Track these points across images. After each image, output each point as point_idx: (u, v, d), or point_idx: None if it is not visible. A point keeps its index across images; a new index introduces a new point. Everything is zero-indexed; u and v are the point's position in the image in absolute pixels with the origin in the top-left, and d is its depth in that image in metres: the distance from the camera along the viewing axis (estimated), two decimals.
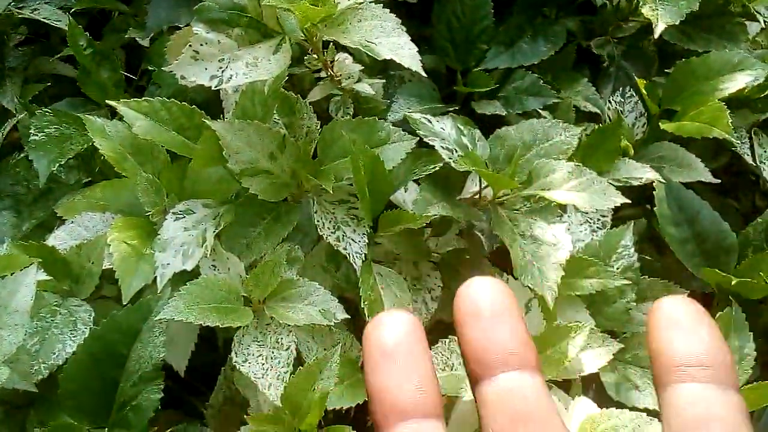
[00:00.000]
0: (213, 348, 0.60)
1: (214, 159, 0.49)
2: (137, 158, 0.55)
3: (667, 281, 0.62)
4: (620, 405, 0.53)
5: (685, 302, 0.22)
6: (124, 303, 0.49)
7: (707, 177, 0.66)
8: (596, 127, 0.62)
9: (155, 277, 0.48)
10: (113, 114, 0.60)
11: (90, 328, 0.50)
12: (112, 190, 0.58)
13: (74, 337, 0.50)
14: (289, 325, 0.49)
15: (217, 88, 0.47)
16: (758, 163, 0.68)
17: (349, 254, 0.51)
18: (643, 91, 0.67)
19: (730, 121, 0.61)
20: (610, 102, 0.69)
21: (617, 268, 0.58)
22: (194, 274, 0.49)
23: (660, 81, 0.70)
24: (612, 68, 0.72)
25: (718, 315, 0.56)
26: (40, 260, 0.50)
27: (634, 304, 0.58)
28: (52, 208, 0.61)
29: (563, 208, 0.57)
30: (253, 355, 0.48)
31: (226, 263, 0.51)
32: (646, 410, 0.52)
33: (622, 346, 0.55)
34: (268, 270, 0.49)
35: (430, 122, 0.54)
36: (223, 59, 0.47)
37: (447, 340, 0.53)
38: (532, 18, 0.71)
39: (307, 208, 0.53)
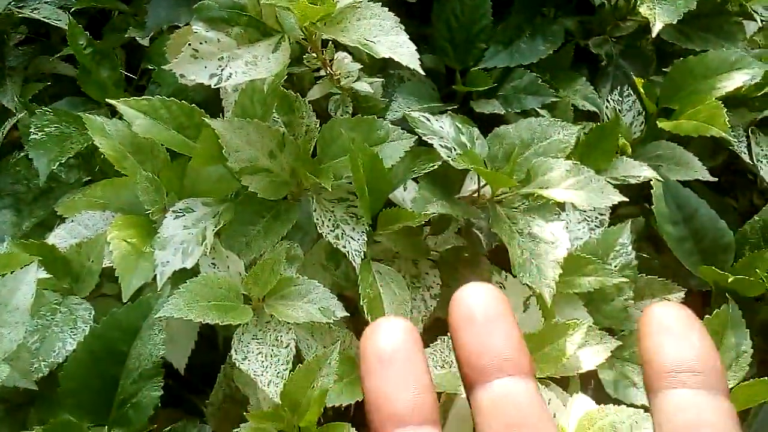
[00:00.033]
0: (213, 346, 0.60)
1: (214, 157, 0.49)
2: (137, 157, 0.55)
3: (665, 279, 0.62)
4: (618, 402, 0.53)
5: (675, 308, 0.22)
6: (124, 301, 0.49)
7: (705, 175, 0.66)
8: (594, 125, 0.62)
9: (155, 276, 0.48)
10: (113, 113, 0.60)
11: (90, 326, 0.50)
12: (112, 189, 0.58)
13: (74, 335, 0.50)
14: (288, 323, 0.50)
15: (217, 86, 0.47)
16: (755, 161, 0.68)
17: (348, 252, 0.51)
18: (641, 90, 0.67)
19: (728, 119, 0.61)
20: (608, 101, 0.69)
21: (615, 266, 0.59)
22: (194, 272, 0.49)
23: (658, 80, 0.70)
24: (610, 67, 0.72)
25: (715, 312, 0.56)
26: (41, 258, 0.50)
27: (632, 301, 0.58)
28: (53, 206, 0.61)
29: (561, 206, 0.57)
30: (252, 352, 0.49)
31: (225, 261, 0.51)
32: (644, 407, 0.52)
33: (620, 343, 0.56)
34: (268, 268, 0.49)
35: (429, 121, 0.54)
36: (222, 58, 0.47)
37: (446, 338, 0.53)
38: (530, 17, 0.71)
39: (306, 207, 0.53)
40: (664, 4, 0.62)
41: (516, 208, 0.54)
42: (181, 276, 0.49)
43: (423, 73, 0.48)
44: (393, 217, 0.53)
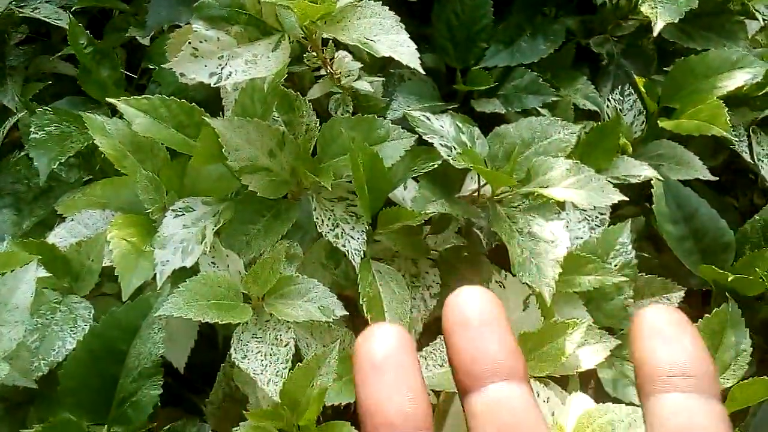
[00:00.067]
0: (212, 345, 0.60)
1: (214, 156, 0.49)
2: (137, 156, 0.55)
3: (665, 278, 0.62)
4: (617, 401, 0.53)
5: (667, 311, 0.22)
6: (124, 300, 0.49)
7: (706, 175, 0.66)
8: (595, 125, 0.62)
9: (155, 274, 0.48)
10: (113, 112, 0.60)
11: (90, 324, 0.51)
12: (112, 188, 0.58)
13: (74, 333, 0.50)
14: (288, 322, 0.50)
15: (217, 85, 0.47)
16: (756, 160, 0.68)
17: (348, 251, 0.51)
18: (642, 89, 0.67)
19: (729, 119, 0.61)
20: (609, 100, 0.69)
21: (615, 265, 0.59)
22: (194, 271, 0.49)
23: (659, 79, 0.70)
24: (611, 66, 0.72)
25: (714, 311, 0.56)
26: (41, 257, 0.50)
27: (632, 300, 0.58)
28: (53, 205, 0.61)
29: (561, 205, 0.57)
30: (252, 351, 0.49)
31: (225, 260, 0.51)
32: None
33: (620, 342, 0.55)
34: (267, 267, 0.49)
35: (429, 120, 0.54)
36: (222, 56, 0.47)
37: None
38: (531, 16, 0.71)
39: (306, 206, 0.53)
40: (665, 3, 0.62)
41: (516, 208, 0.53)
42: (180, 275, 0.49)
43: (423, 72, 0.48)
44: (393, 216, 0.53)
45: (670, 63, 0.67)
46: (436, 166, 0.54)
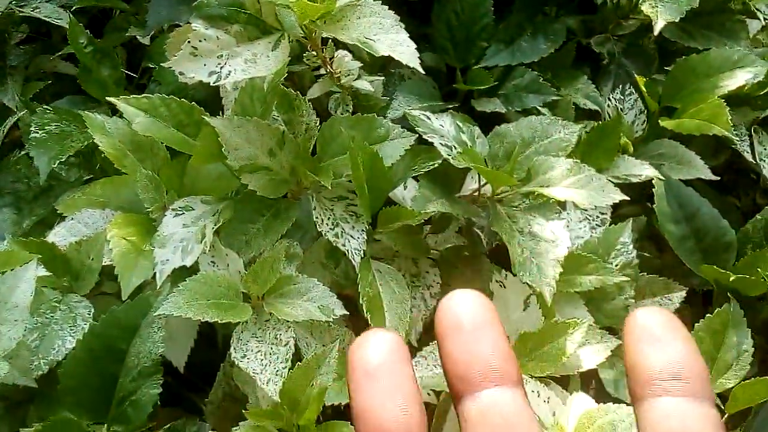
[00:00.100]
0: (212, 344, 0.60)
1: (214, 155, 0.49)
2: (137, 155, 0.55)
3: (666, 278, 0.62)
4: (619, 401, 0.53)
5: (659, 313, 0.22)
6: (124, 299, 0.49)
7: (707, 174, 0.66)
8: (596, 124, 0.62)
9: (155, 274, 0.48)
10: (113, 111, 0.60)
11: (89, 323, 0.51)
12: (112, 187, 0.58)
13: (74, 332, 0.50)
14: (287, 321, 0.50)
15: (216, 84, 0.47)
16: (758, 160, 0.68)
17: (348, 251, 0.51)
18: (643, 89, 0.67)
19: (730, 118, 0.61)
20: (609, 99, 0.69)
21: (616, 265, 0.59)
22: (193, 270, 0.49)
23: (660, 78, 0.70)
24: (612, 66, 0.72)
25: (716, 311, 0.56)
26: (41, 256, 0.50)
27: (633, 300, 0.58)
28: (53, 205, 0.61)
29: (562, 205, 0.57)
30: (251, 350, 0.49)
31: (225, 259, 0.51)
32: None
33: (621, 342, 0.55)
34: (267, 266, 0.49)
35: (430, 119, 0.54)
36: (221, 55, 0.47)
37: None
38: (532, 16, 0.71)
39: (306, 205, 0.53)
40: (666, 3, 0.62)
41: (516, 207, 0.53)
42: (180, 274, 0.49)
43: (423, 71, 0.48)
44: (393, 215, 0.52)
45: (671, 62, 0.67)
46: (436, 165, 0.54)
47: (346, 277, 0.56)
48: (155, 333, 0.49)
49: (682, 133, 0.64)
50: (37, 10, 0.71)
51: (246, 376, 0.49)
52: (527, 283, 0.50)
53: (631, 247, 0.59)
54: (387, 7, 0.49)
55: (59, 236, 0.55)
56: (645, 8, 0.62)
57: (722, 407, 0.54)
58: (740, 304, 0.57)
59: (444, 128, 0.54)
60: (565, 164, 0.53)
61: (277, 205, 0.53)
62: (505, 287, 0.57)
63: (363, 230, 0.52)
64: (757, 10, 0.71)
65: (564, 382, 0.55)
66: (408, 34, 0.49)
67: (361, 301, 0.51)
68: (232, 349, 0.48)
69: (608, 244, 0.60)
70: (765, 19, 0.71)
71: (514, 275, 0.51)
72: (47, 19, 0.71)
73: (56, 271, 0.53)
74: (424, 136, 0.53)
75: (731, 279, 0.59)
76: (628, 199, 0.52)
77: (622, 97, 0.69)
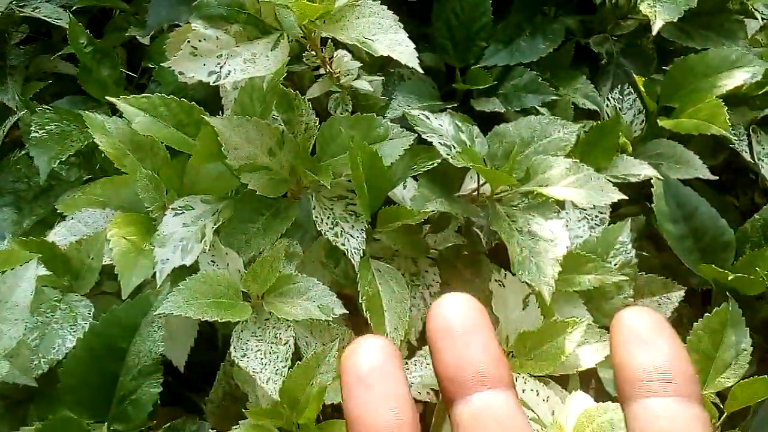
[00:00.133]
0: (212, 344, 0.60)
1: (213, 155, 0.49)
2: (137, 155, 0.55)
3: (665, 277, 0.62)
4: None
5: (645, 313, 0.22)
6: (124, 298, 0.49)
7: (705, 174, 0.66)
8: (594, 124, 0.62)
9: (155, 273, 0.49)
10: (113, 111, 0.60)
11: (90, 323, 0.51)
12: (112, 187, 0.58)
13: (74, 331, 0.50)
14: (287, 320, 0.50)
15: (215, 83, 0.47)
16: (756, 160, 0.68)
17: (347, 250, 0.51)
18: (642, 89, 0.67)
19: (728, 118, 0.61)
20: (608, 99, 0.69)
21: (615, 264, 0.59)
22: (193, 269, 0.50)
23: (658, 78, 0.70)
24: (610, 66, 0.72)
25: (715, 311, 0.56)
26: (41, 256, 0.50)
27: (632, 299, 0.58)
28: (53, 204, 0.61)
29: (561, 204, 0.57)
30: (251, 350, 0.49)
31: (225, 259, 0.51)
32: None
33: None
34: (267, 265, 0.49)
35: (429, 119, 0.54)
36: (221, 55, 0.47)
37: None
38: (531, 16, 0.71)
39: (305, 204, 0.53)
40: (664, 3, 0.62)
41: (515, 206, 0.54)
42: (180, 273, 0.49)
43: (422, 71, 0.48)
44: (392, 215, 0.53)
45: (670, 62, 0.67)
46: (435, 165, 0.54)
47: (345, 276, 0.56)
48: (155, 332, 0.49)
49: (681, 133, 0.64)
50: (37, 10, 0.71)
51: (246, 375, 0.49)
52: (526, 283, 0.50)
53: (629, 246, 0.60)
54: (386, 7, 0.49)
55: (59, 236, 0.55)
56: (643, 8, 0.62)
57: (721, 406, 0.54)
58: (739, 304, 0.57)
59: (443, 128, 0.54)
60: (564, 164, 0.53)
61: (277, 205, 0.53)
62: (504, 286, 0.57)
63: (362, 229, 0.52)
64: (755, 10, 0.71)
65: (563, 381, 0.55)
66: (407, 34, 0.49)
67: (360, 301, 0.51)
68: (232, 348, 0.48)
69: (607, 243, 0.60)
70: (763, 19, 0.72)
71: (513, 274, 0.51)
72: (47, 19, 0.71)
73: (56, 271, 0.53)
74: (424, 136, 0.53)
75: (730, 278, 0.59)
76: (627, 198, 0.53)
77: (621, 97, 0.69)
